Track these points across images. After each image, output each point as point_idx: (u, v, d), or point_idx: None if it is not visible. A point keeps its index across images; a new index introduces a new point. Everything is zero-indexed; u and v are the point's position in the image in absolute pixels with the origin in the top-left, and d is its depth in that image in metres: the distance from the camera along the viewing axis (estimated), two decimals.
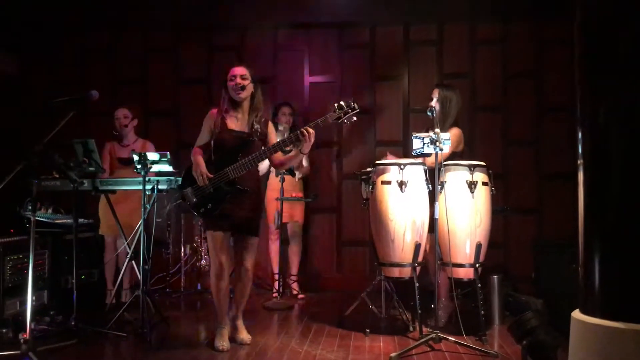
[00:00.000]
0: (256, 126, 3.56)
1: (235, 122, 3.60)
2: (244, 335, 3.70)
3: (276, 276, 5.21)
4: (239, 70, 3.57)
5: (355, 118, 3.44)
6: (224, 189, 3.48)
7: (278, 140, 3.56)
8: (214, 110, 3.64)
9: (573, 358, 2.40)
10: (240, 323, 3.73)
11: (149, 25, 5.99)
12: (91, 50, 6.08)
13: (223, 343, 3.55)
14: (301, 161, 5.01)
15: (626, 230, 2.27)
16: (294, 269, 5.37)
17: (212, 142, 3.57)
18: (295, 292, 5.28)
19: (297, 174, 5.21)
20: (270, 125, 3.71)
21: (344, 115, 3.40)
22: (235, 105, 3.61)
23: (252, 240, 3.63)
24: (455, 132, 4.08)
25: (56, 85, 5.85)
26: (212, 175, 3.48)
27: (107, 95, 5.62)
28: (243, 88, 3.54)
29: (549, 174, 5.57)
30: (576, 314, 2.43)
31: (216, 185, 3.49)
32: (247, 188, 3.50)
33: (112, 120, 4.94)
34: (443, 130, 3.74)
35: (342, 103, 3.41)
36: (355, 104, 3.41)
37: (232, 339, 3.66)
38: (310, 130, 3.38)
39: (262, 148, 3.51)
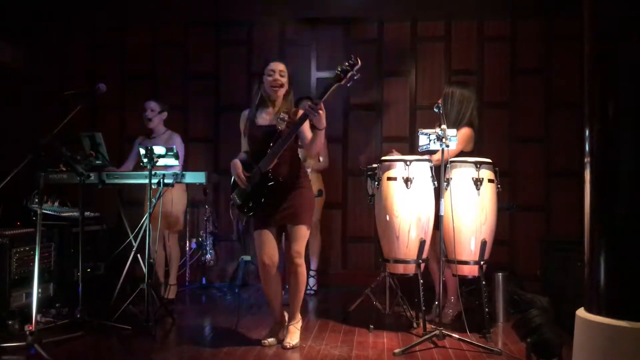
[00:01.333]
0: (283, 115, 3.36)
1: (266, 118, 3.49)
2: (288, 338, 3.49)
3: None
4: (279, 66, 3.43)
5: (358, 75, 3.07)
6: (260, 184, 3.39)
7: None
8: (246, 111, 3.56)
9: (577, 356, 2.39)
10: (292, 326, 3.54)
11: (158, 20, 6.00)
12: (100, 44, 6.10)
13: (268, 339, 3.54)
14: (318, 155, 5.03)
15: (632, 229, 2.26)
16: (314, 265, 5.37)
17: (247, 141, 3.51)
18: (309, 287, 5.27)
19: (321, 163, 5.19)
20: (301, 113, 3.48)
21: (344, 75, 3.07)
22: (269, 101, 3.49)
23: (297, 228, 3.42)
24: (464, 131, 4.05)
25: (65, 79, 5.88)
26: (249, 174, 3.41)
27: (116, 89, 5.66)
28: (282, 85, 3.43)
29: (556, 172, 5.55)
30: (581, 312, 2.42)
31: (253, 182, 3.41)
32: (281, 178, 3.38)
33: (140, 114, 4.87)
34: (452, 127, 3.72)
35: (345, 63, 3.08)
36: (356, 60, 3.06)
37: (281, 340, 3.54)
38: (315, 104, 3.12)
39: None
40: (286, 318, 3.62)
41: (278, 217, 3.44)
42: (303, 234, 3.45)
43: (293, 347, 3.46)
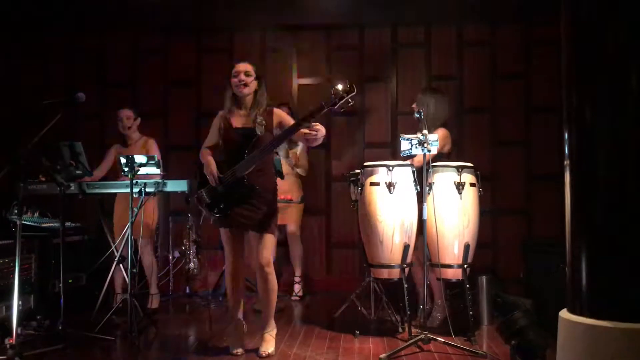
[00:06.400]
0: (259, 119, 3.44)
1: (240, 120, 3.52)
2: (264, 347, 3.47)
3: None
4: (243, 67, 3.48)
5: (352, 102, 3.20)
6: (234, 187, 3.40)
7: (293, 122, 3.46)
8: (221, 112, 3.59)
9: (561, 357, 2.41)
10: (267, 335, 3.54)
11: (138, 27, 5.95)
12: (79, 51, 6.04)
13: (237, 349, 3.51)
14: (298, 156, 5.21)
15: (612, 230, 2.29)
16: (298, 271, 5.35)
17: (221, 142, 3.53)
18: (294, 293, 5.27)
19: (300, 171, 5.26)
20: (277, 112, 3.55)
21: (339, 100, 3.19)
22: (239, 102, 3.53)
23: (266, 237, 3.45)
24: (440, 132, 4.09)
25: (43, 87, 5.81)
26: (221, 175, 3.42)
27: (95, 97, 5.60)
28: (246, 85, 3.46)
29: (537, 175, 5.60)
30: (564, 313, 2.44)
31: (226, 183, 3.42)
32: (257, 185, 3.40)
33: (116, 122, 4.80)
34: (430, 132, 3.75)
35: (338, 87, 3.20)
36: (352, 87, 3.21)
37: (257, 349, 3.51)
38: (316, 126, 3.23)
39: (269, 141, 3.40)
40: (243, 322, 3.66)
41: (245, 222, 3.45)
42: (271, 242, 3.50)
43: (269, 356, 3.44)
